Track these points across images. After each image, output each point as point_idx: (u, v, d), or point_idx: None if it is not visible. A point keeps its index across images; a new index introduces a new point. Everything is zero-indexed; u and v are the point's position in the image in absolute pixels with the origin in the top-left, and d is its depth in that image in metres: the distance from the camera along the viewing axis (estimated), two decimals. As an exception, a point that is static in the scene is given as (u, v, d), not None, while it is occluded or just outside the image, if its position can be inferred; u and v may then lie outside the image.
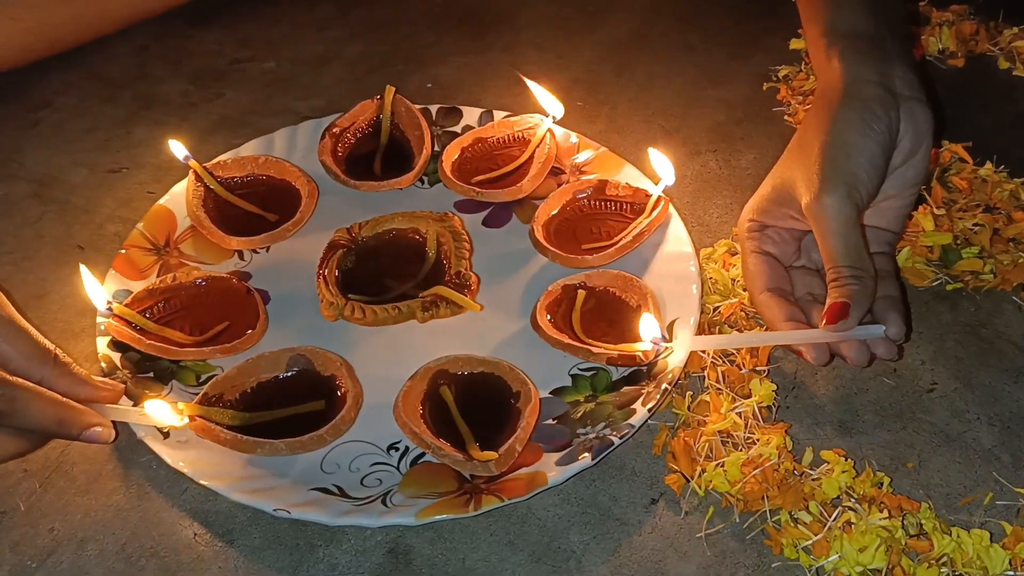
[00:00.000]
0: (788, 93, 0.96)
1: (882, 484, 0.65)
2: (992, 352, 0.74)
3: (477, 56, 1.04)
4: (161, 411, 0.65)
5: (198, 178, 0.84)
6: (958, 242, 0.80)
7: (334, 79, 1.02)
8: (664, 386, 0.68)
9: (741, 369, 0.72)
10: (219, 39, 1.07)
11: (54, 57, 1.02)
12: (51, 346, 0.65)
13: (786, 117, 0.94)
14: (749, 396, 0.70)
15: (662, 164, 0.80)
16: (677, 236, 0.79)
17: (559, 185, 0.84)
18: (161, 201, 0.85)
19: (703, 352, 0.72)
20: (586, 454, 0.65)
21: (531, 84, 0.87)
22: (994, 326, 0.76)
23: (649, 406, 0.67)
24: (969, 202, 0.83)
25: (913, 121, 0.70)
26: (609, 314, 0.74)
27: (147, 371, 0.73)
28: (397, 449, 0.68)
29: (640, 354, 0.69)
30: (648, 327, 0.68)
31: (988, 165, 0.85)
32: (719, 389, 0.71)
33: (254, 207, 0.84)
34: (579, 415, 0.68)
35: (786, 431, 0.68)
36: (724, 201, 0.87)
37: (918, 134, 0.70)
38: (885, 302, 0.69)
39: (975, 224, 0.80)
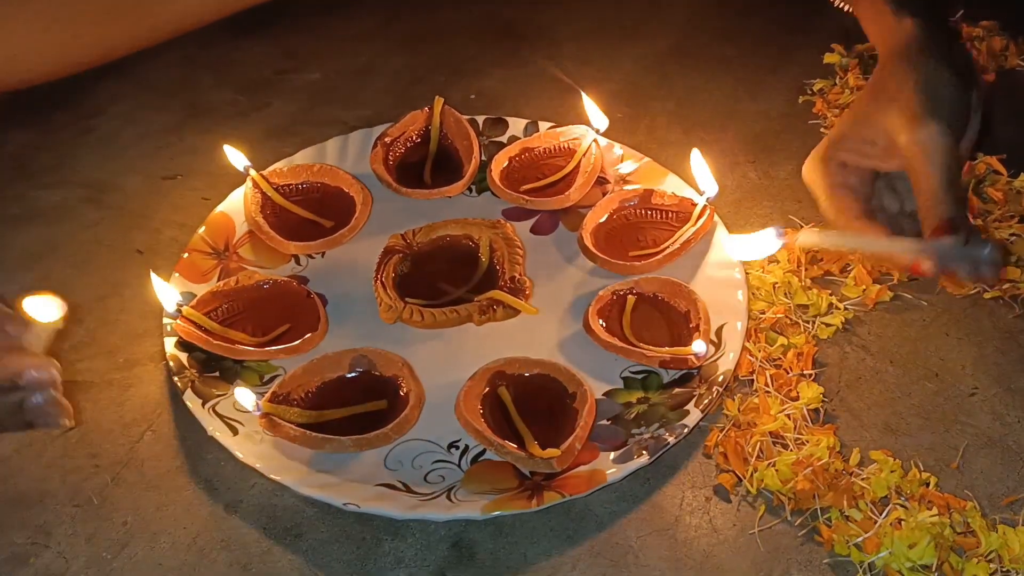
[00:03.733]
0: (823, 106, 0.98)
1: (929, 483, 0.68)
2: (1030, 358, 0.77)
3: (518, 68, 1.06)
4: (246, 398, 0.68)
5: (255, 185, 0.86)
6: (995, 252, 0.82)
7: (378, 90, 1.05)
8: (716, 388, 0.70)
9: (788, 372, 0.74)
10: (265, 50, 1.10)
11: (105, 66, 1.05)
12: None
13: (822, 129, 0.97)
14: (797, 399, 0.72)
15: (704, 174, 0.82)
16: (723, 244, 0.81)
17: (604, 194, 0.87)
18: (219, 208, 0.87)
19: (752, 356, 0.74)
20: (644, 452, 0.67)
21: (582, 94, 0.90)
22: (1032, 332, 0.78)
23: (703, 406, 0.69)
24: (1004, 213, 0.85)
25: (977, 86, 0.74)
26: (658, 319, 0.76)
27: (213, 370, 0.75)
28: (457, 447, 0.70)
29: (692, 357, 0.71)
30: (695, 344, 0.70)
31: (1022, 177, 0.88)
32: (768, 392, 0.73)
33: (310, 213, 0.87)
34: (632, 416, 0.71)
35: (834, 432, 0.70)
36: (763, 211, 0.89)
37: (978, 98, 0.74)
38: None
39: (1012, 234, 0.83)
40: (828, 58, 1.04)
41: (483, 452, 0.70)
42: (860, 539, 0.65)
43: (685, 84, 1.04)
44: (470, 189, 0.90)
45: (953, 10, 1.06)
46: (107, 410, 0.75)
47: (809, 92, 1.01)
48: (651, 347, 0.73)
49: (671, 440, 0.68)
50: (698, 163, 0.83)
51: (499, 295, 0.76)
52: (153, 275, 0.76)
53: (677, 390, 0.72)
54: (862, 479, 0.67)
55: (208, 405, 0.72)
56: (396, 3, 1.15)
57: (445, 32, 1.12)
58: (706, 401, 0.70)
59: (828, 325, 0.78)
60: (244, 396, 0.69)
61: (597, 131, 0.90)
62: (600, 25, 1.12)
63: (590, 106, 0.90)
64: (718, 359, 0.72)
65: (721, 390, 0.71)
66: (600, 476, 0.66)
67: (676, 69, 1.05)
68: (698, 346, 0.71)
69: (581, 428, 0.67)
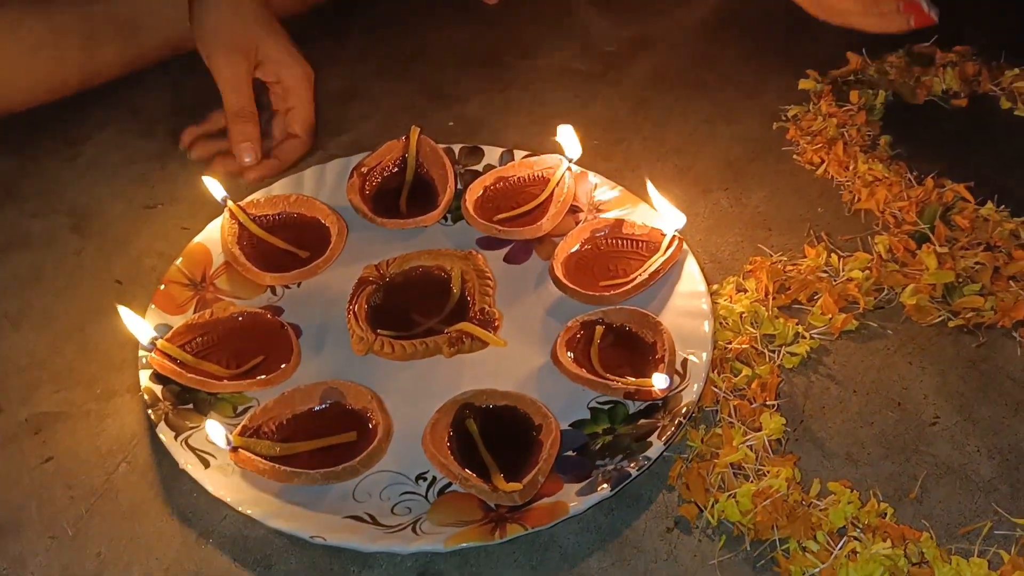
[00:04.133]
0: (797, 133, 0.99)
1: (886, 514, 0.69)
2: (992, 386, 0.78)
3: (498, 94, 1.08)
4: (216, 432, 0.70)
5: (233, 216, 0.88)
6: (960, 280, 0.83)
7: (359, 115, 1.06)
8: (679, 420, 0.71)
9: (752, 403, 0.75)
10: (249, 76, 1.11)
11: (92, 91, 1.07)
12: None
13: (795, 156, 0.98)
14: (760, 429, 0.73)
15: (664, 205, 0.83)
16: (691, 274, 0.82)
17: (577, 223, 0.88)
18: (197, 239, 0.89)
19: (716, 388, 0.76)
20: (605, 485, 0.68)
21: (654, 194, 0.89)
22: (994, 361, 0.80)
23: (665, 438, 0.71)
24: (971, 241, 0.87)
25: None
26: (626, 349, 0.78)
27: (187, 403, 0.77)
28: (425, 479, 0.72)
29: (656, 389, 0.72)
30: (658, 378, 0.72)
31: (989, 205, 0.89)
32: (731, 423, 0.74)
33: (286, 244, 0.88)
34: (598, 447, 0.72)
35: (795, 463, 0.72)
36: (735, 239, 0.90)
37: None
38: None
39: (976, 263, 0.84)
40: (803, 84, 1.05)
41: (450, 484, 0.71)
42: (816, 570, 0.66)
43: (661, 110, 1.05)
44: (446, 218, 0.91)
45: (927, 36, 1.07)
46: (84, 440, 0.77)
47: (783, 118, 1.02)
48: (616, 379, 0.74)
49: (633, 472, 0.69)
50: (655, 195, 0.84)
51: (468, 327, 0.77)
52: (124, 309, 0.77)
53: (642, 421, 0.73)
54: (820, 510, 0.69)
55: (181, 438, 0.73)
56: (379, 28, 1.17)
57: (427, 57, 1.13)
58: (668, 433, 0.71)
59: (794, 354, 0.80)
60: (214, 430, 0.70)
61: (570, 160, 0.91)
62: (581, 50, 1.13)
63: (564, 135, 0.91)
64: (682, 391, 0.74)
65: (684, 422, 0.72)
66: (563, 508, 0.68)
67: (653, 95, 1.07)
68: (659, 379, 0.72)
69: (544, 461, 0.69)
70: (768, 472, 0.71)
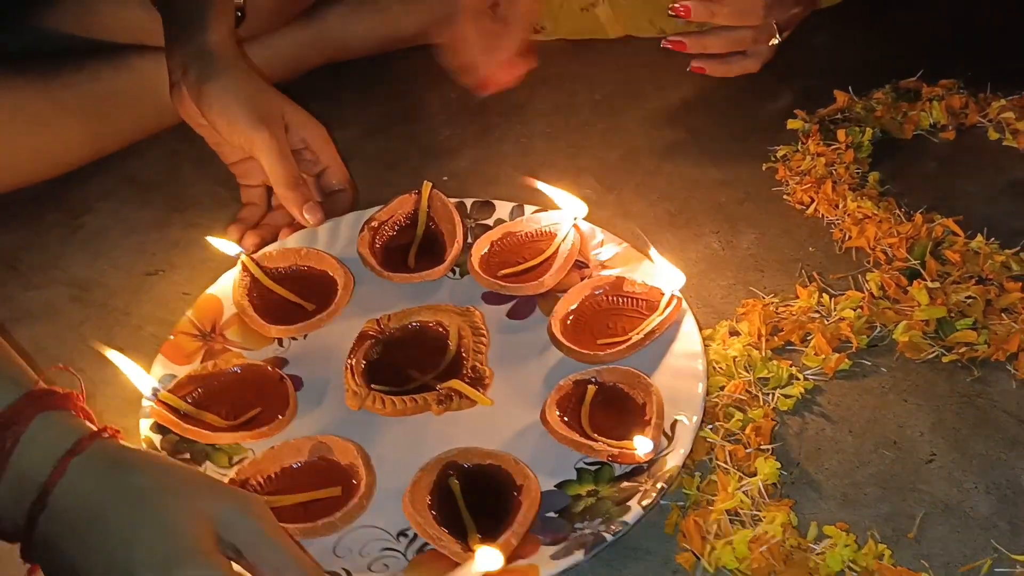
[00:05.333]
0: (786, 173, 1.00)
1: (883, 556, 0.69)
2: (988, 421, 0.78)
3: (490, 148, 1.10)
4: None
5: (245, 269, 0.89)
6: (952, 315, 0.83)
7: (355, 174, 1.07)
8: (661, 485, 0.71)
9: (747, 448, 0.76)
10: (246, 140, 1.13)
11: (94, 164, 1.09)
12: (311, 565, 0.64)
13: (784, 196, 0.99)
14: (755, 475, 0.74)
15: (666, 266, 0.84)
16: (688, 334, 0.82)
17: (583, 279, 0.89)
18: (210, 290, 0.91)
19: (709, 440, 0.76)
20: (580, 550, 0.68)
21: (548, 189, 0.92)
22: (989, 396, 0.79)
23: (645, 503, 0.71)
24: (962, 274, 0.87)
25: None
26: (617, 410, 0.78)
27: (184, 452, 0.78)
28: (406, 536, 0.72)
29: (638, 453, 0.73)
30: (641, 442, 0.72)
31: (979, 238, 0.89)
32: (726, 469, 0.74)
33: (294, 296, 0.89)
34: (579, 509, 0.72)
35: (791, 507, 0.72)
36: (727, 282, 0.91)
37: None
38: None
39: (968, 296, 0.84)
40: (791, 124, 1.06)
41: (429, 543, 0.71)
42: (815, 616, 0.66)
43: (651, 156, 1.06)
44: (454, 271, 0.92)
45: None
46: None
47: (772, 159, 1.03)
48: (602, 441, 0.74)
49: (609, 537, 0.69)
50: (655, 255, 0.85)
51: (458, 385, 0.78)
52: (121, 358, 0.78)
53: (625, 484, 0.73)
54: (817, 554, 0.69)
55: None
56: (370, 89, 1.19)
57: (419, 114, 1.15)
58: (649, 499, 0.71)
59: (788, 396, 0.80)
60: None
61: (575, 217, 0.92)
62: (570, 100, 1.15)
63: (562, 196, 0.92)
64: (667, 454, 0.74)
65: (666, 487, 0.72)
66: (534, 572, 0.68)
67: (643, 142, 1.08)
68: (643, 443, 0.72)
69: (519, 524, 0.69)
70: (764, 518, 0.70)
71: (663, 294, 0.84)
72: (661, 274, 0.84)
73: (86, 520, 0.58)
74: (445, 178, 1.05)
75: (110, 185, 1.09)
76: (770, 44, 1.00)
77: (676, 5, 0.95)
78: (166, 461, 0.65)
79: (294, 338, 0.88)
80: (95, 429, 0.62)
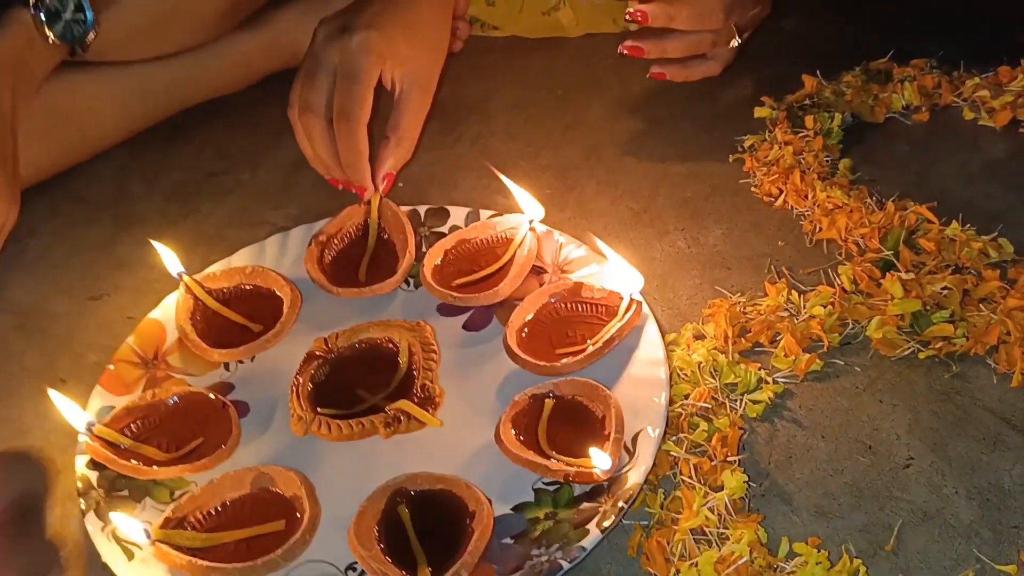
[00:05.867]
0: (754, 164, 0.96)
1: (858, 572, 0.65)
2: (968, 420, 0.74)
3: (448, 150, 1.05)
4: (130, 526, 0.67)
5: (188, 290, 0.85)
6: (928, 307, 0.79)
7: (308, 184, 1.04)
8: (620, 505, 0.67)
9: (712, 460, 0.72)
10: (195, 152, 1.10)
11: (42, 183, 1.05)
12: None
13: (752, 188, 0.94)
14: (721, 488, 0.70)
15: (625, 268, 0.80)
16: (650, 340, 0.78)
17: (541, 284, 0.85)
18: (152, 314, 0.87)
19: (673, 454, 0.72)
20: None
21: (511, 185, 0.88)
22: (969, 392, 0.75)
23: (606, 524, 0.67)
24: (938, 263, 0.83)
25: None
26: (576, 424, 0.74)
27: (122, 488, 0.74)
28: (355, 569, 0.69)
29: (596, 472, 0.69)
30: (599, 456, 0.68)
31: (954, 224, 0.85)
32: (691, 484, 0.70)
33: (240, 317, 0.85)
34: (537, 534, 0.68)
35: (760, 522, 0.68)
36: (693, 281, 0.87)
37: None
38: None
39: (944, 287, 0.80)
40: (758, 112, 1.02)
41: (378, 575, 0.68)
42: (787, 640, 0.62)
43: (614, 151, 1.02)
44: (408, 283, 0.88)
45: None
46: (22, 554, 0.74)
47: (740, 149, 0.99)
48: (558, 459, 0.70)
49: (565, 565, 0.65)
50: (612, 257, 0.81)
51: (406, 406, 0.74)
52: (56, 397, 0.75)
53: (584, 505, 0.69)
54: (787, 573, 0.65)
55: (109, 528, 0.71)
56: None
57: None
58: (610, 519, 0.67)
59: (756, 402, 0.76)
60: (127, 524, 0.67)
61: (532, 221, 0.87)
62: (530, 96, 1.11)
63: (521, 196, 0.88)
64: (628, 471, 0.70)
65: (625, 508, 0.68)
66: (487, 605, 0.64)
67: (606, 136, 1.04)
68: (601, 460, 0.68)
69: (469, 554, 0.65)
70: (731, 536, 0.66)
71: (622, 298, 0.80)
72: (619, 277, 0.80)
73: None
74: (400, 184, 1.01)
75: (57, 205, 1.05)
76: (730, 46, 0.96)
77: (633, 10, 0.91)
78: None
79: (240, 361, 0.84)
80: None
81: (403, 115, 0.89)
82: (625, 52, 0.94)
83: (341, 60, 0.87)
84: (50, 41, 0.94)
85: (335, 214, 0.91)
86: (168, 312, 0.86)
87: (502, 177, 0.88)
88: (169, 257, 0.86)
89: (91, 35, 0.96)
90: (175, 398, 0.78)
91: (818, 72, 1.03)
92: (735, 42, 0.95)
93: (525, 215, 0.87)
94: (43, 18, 0.93)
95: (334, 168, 0.90)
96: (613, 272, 0.82)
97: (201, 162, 1.09)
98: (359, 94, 0.86)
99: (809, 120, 0.97)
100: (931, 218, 0.86)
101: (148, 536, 0.67)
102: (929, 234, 0.85)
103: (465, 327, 0.84)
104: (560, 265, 0.87)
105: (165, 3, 1.06)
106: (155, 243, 0.87)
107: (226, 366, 0.84)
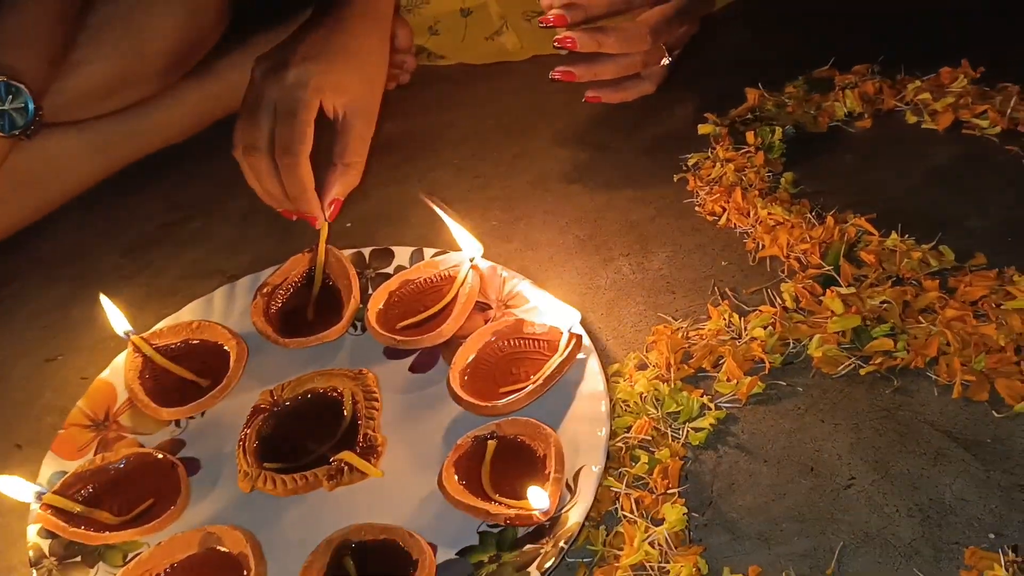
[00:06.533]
0: (696, 183, 0.96)
1: (797, 600, 0.65)
2: (910, 435, 0.73)
3: (397, 187, 1.06)
4: None
5: (136, 349, 0.86)
6: (868, 322, 0.79)
7: (260, 232, 1.04)
8: (560, 545, 0.68)
9: (654, 493, 0.72)
10: (151, 204, 1.11)
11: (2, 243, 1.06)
12: None
13: (696, 208, 0.94)
14: (663, 521, 0.70)
15: (557, 306, 0.80)
16: (591, 373, 0.78)
17: (487, 320, 0.85)
18: (102, 375, 0.88)
19: (614, 489, 0.72)
20: None
21: (450, 223, 0.88)
22: (911, 407, 0.75)
23: (547, 565, 0.67)
24: (880, 276, 0.82)
25: None
26: (519, 463, 0.74)
27: (75, 555, 0.75)
28: None
29: (535, 514, 0.69)
30: (536, 495, 0.68)
31: (893, 235, 0.85)
32: (632, 519, 0.70)
33: (188, 373, 0.86)
34: None
35: (702, 553, 0.68)
36: (637, 308, 0.87)
37: None
38: None
39: (883, 301, 0.80)
40: (702, 129, 1.02)
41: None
42: (727, 674, 0.62)
43: (561, 179, 1.02)
44: (355, 326, 0.89)
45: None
46: (-19, 627, 0.75)
47: (684, 168, 0.99)
48: (499, 502, 0.71)
49: None
50: (542, 295, 0.81)
51: (348, 457, 0.74)
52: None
53: (527, 547, 0.69)
54: (727, 606, 0.65)
55: None
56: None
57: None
58: (552, 559, 0.67)
59: (698, 430, 0.76)
60: None
61: (472, 259, 0.88)
62: (478, 128, 1.11)
63: (460, 234, 0.88)
64: (569, 510, 0.70)
65: (565, 548, 0.68)
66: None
67: (552, 164, 1.04)
68: (539, 500, 0.68)
69: None
70: (671, 570, 0.67)
71: (562, 333, 0.80)
72: (558, 313, 0.80)
73: None
74: (348, 224, 1.02)
75: (16, 267, 1.07)
76: (662, 65, 0.96)
77: (561, 37, 0.91)
78: None
79: (191, 417, 0.84)
80: None
81: (348, 142, 0.91)
82: (557, 77, 0.94)
83: (279, 96, 0.88)
84: None
85: (281, 262, 0.92)
86: (118, 372, 0.87)
87: (442, 215, 0.89)
88: (116, 316, 0.87)
89: (34, 124, 0.97)
90: (123, 461, 0.79)
91: (759, 85, 1.03)
92: (666, 60, 0.95)
93: (466, 252, 0.87)
94: None
95: (283, 201, 0.91)
96: (552, 306, 0.82)
97: (155, 214, 1.10)
98: (298, 129, 0.87)
99: (750, 135, 0.97)
100: (871, 230, 0.86)
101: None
102: (869, 246, 0.85)
103: (411, 369, 0.85)
104: (504, 300, 0.87)
105: (114, 66, 1.08)
106: (104, 301, 0.88)
107: (176, 423, 0.84)
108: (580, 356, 0.80)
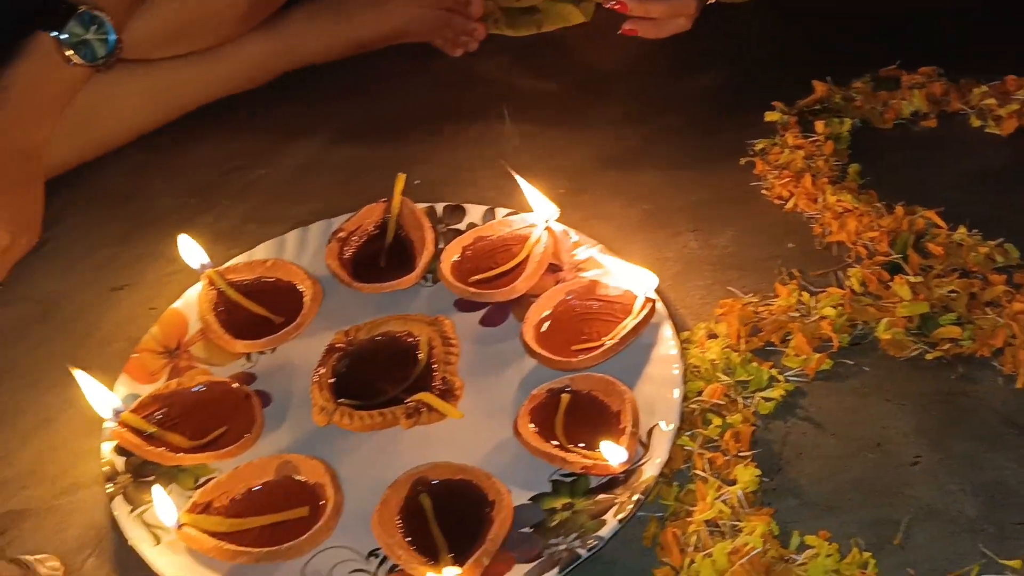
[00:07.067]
0: (764, 167, 0.98)
1: (867, 565, 0.66)
2: (973, 420, 0.75)
3: (463, 150, 1.07)
4: (164, 508, 0.69)
5: (210, 283, 0.87)
6: (935, 310, 0.81)
7: (325, 182, 1.06)
8: (636, 496, 0.69)
9: (726, 455, 0.73)
10: (211, 151, 1.12)
11: (59, 178, 1.07)
12: None
13: (763, 191, 0.96)
14: (735, 482, 0.71)
15: (635, 272, 0.82)
16: (664, 338, 0.80)
17: (557, 282, 0.87)
18: (174, 305, 0.89)
19: (687, 447, 0.74)
20: (554, 568, 0.66)
21: (524, 184, 0.90)
22: (975, 393, 0.77)
23: (620, 517, 0.68)
24: (946, 267, 0.84)
25: None
26: (592, 418, 0.75)
27: (148, 475, 0.76)
28: (376, 555, 0.70)
29: (614, 465, 0.71)
30: (612, 448, 0.70)
31: (961, 229, 0.87)
32: (704, 477, 0.72)
33: (262, 309, 0.87)
34: (554, 524, 0.70)
35: (772, 515, 0.70)
36: (704, 282, 0.89)
37: None
38: None
39: (951, 291, 0.82)
40: (769, 116, 1.03)
41: (399, 563, 0.70)
42: (798, 629, 0.64)
43: (628, 154, 1.04)
44: (426, 278, 0.90)
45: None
46: (50, 537, 0.76)
47: (750, 153, 1.00)
48: (575, 452, 0.72)
49: (583, 553, 0.67)
50: (619, 263, 0.83)
51: (427, 398, 0.76)
52: (82, 376, 0.76)
53: (601, 496, 0.71)
54: (799, 565, 0.66)
55: (136, 512, 0.73)
56: (340, 96, 1.17)
57: (390, 121, 1.13)
58: (626, 510, 0.69)
59: (768, 400, 0.78)
60: (162, 506, 0.69)
61: (547, 220, 0.89)
62: (543, 102, 1.13)
63: (534, 195, 0.89)
64: (644, 463, 0.72)
65: (642, 499, 0.70)
66: (509, 589, 0.66)
67: (617, 141, 1.06)
68: (616, 453, 0.70)
69: (490, 542, 0.67)
70: (744, 528, 0.68)
71: (636, 296, 0.81)
72: (634, 277, 0.82)
73: None
74: (417, 182, 1.02)
75: (76, 200, 1.07)
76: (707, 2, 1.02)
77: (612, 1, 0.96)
78: None
79: (261, 352, 0.86)
80: None
81: None
82: (612, 6, 1.00)
83: None
84: (72, 64, 0.96)
85: (353, 211, 0.93)
86: (190, 303, 0.88)
87: (517, 177, 0.90)
88: (194, 249, 0.88)
89: (115, 55, 0.98)
90: (201, 386, 0.80)
91: (828, 78, 1.05)
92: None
93: (541, 213, 0.89)
94: (65, 43, 0.95)
95: None
96: (627, 270, 0.84)
97: (217, 161, 1.11)
98: None
99: (820, 125, 0.99)
100: (939, 223, 0.88)
101: (176, 521, 0.69)
102: (937, 239, 0.87)
103: (482, 322, 0.86)
104: (576, 264, 0.89)
105: (189, 10, 1.08)
106: (182, 236, 0.89)
107: (248, 357, 0.86)
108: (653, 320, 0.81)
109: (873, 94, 1.03)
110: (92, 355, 0.89)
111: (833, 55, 1.11)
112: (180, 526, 0.69)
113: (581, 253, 0.89)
